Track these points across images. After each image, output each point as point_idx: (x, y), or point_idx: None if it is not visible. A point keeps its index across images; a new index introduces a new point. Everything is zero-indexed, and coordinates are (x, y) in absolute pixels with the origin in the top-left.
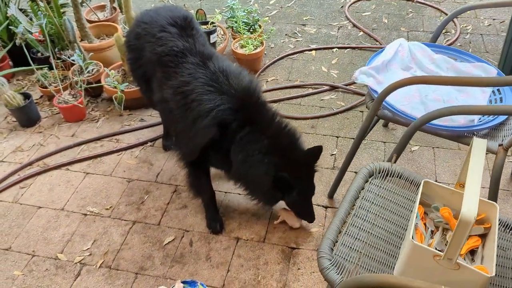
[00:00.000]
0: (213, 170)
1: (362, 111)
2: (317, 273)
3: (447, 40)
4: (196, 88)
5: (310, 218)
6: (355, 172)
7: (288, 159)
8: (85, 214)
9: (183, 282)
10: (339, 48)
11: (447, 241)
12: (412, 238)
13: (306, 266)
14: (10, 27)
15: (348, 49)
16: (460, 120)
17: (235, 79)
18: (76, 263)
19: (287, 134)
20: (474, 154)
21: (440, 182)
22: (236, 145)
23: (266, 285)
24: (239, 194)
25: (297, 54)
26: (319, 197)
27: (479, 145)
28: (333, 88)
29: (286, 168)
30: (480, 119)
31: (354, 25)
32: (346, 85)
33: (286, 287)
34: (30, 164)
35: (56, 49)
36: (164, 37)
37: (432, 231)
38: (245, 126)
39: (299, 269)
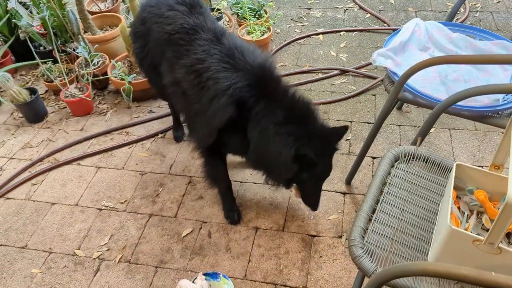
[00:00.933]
0: (227, 160)
1: (374, 95)
2: (340, 260)
3: (457, 19)
4: (212, 65)
5: (315, 206)
6: (372, 157)
7: (307, 130)
8: (100, 209)
9: (205, 274)
10: (346, 31)
11: (483, 225)
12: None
13: (328, 253)
14: (12, 20)
15: (356, 32)
16: (484, 100)
17: (250, 55)
18: (94, 258)
19: (302, 106)
20: None
21: None
22: (252, 121)
23: (289, 274)
24: (255, 183)
25: (304, 39)
26: (336, 183)
27: None
28: (343, 72)
29: (304, 139)
30: (504, 98)
31: (361, 7)
32: (357, 68)
33: (309, 275)
34: (40, 160)
35: (59, 42)
36: (172, 15)
37: (467, 215)
38: (260, 102)
39: (321, 257)
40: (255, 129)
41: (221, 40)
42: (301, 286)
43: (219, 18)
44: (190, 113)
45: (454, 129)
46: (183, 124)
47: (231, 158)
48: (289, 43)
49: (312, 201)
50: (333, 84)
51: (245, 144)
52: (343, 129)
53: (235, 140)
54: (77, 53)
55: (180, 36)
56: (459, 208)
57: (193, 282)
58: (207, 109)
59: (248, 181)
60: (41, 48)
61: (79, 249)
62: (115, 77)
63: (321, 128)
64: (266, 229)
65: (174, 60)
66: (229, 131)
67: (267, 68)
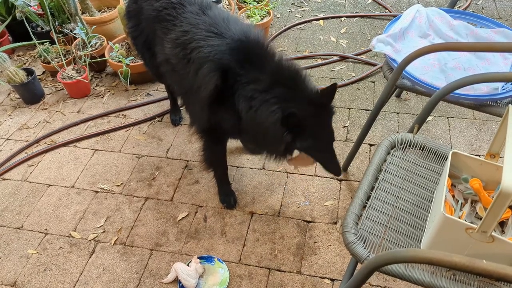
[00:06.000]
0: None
1: (373, 82)
2: (334, 246)
3: (459, 7)
4: (195, 35)
5: (335, 170)
6: (369, 144)
7: (295, 96)
8: (96, 191)
9: (200, 258)
10: (347, 17)
11: (476, 213)
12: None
13: (323, 239)
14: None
15: (357, 18)
16: (482, 88)
17: (235, 24)
18: (90, 240)
19: (290, 71)
20: (511, 123)
21: None
22: (239, 89)
23: (283, 259)
24: (251, 168)
25: (305, 24)
26: None
27: None
28: (343, 58)
29: (294, 104)
30: (503, 87)
31: None
32: (357, 55)
33: (303, 260)
34: (37, 141)
35: (57, 23)
36: None
37: (461, 204)
38: (245, 67)
39: (315, 242)
40: (242, 98)
41: (206, 12)
42: (295, 271)
43: (219, 1)
44: (182, 91)
45: (453, 117)
46: (181, 108)
47: (228, 143)
48: (289, 28)
49: (330, 166)
50: (333, 70)
51: (239, 123)
52: (333, 87)
53: (228, 115)
54: (75, 34)
55: (167, 12)
56: (453, 196)
57: (187, 265)
58: (194, 82)
59: (245, 166)
60: (39, 28)
61: (74, 231)
62: (113, 60)
63: (310, 91)
64: (262, 214)
65: (163, 37)
66: (221, 107)
67: (252, 33)
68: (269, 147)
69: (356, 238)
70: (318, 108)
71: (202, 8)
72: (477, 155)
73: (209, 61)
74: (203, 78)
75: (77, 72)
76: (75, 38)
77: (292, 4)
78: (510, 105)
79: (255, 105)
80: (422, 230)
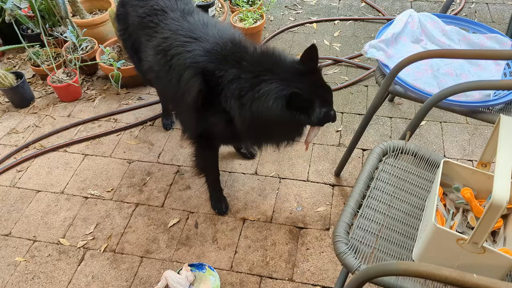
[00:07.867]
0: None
1: (366, 86)
2: (326, 253)
3: (452, 10)
4: (175, 41)
5: (334, 118)
6: (362, 149)
7: (284, 76)
8: (86, 197)
9: (191, 265)
10: (341, 20)
11: (468, 223)
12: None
13: (315, 246)
14: None
15: (350, 21)
16: (475, 95)
17: (213, 28)
18: (79, 247)
19: (266, 56)
20: (502, 133)
21: (448, 158)
22: (224, 90)
23: (275, 266)
24: (244, 173)
25: (298, 27)
26: (325, 175)
27: (507, 123)
28: (336, 62)
29: (288, 84)
30: (495, 93)
31: None
32: (350, 58)
33: (295, 268)
34: (26, 146)
35: (47, 26)
36: None
37: (452, 213)
38: (222, 66)
39: (307, 249)
40: (229, 98)
41: (186, 18)
42: (287, 278)
43: (211, 4)
44: (169, 98)
45: (445, 122)
46: (173, 112)
47: (220, 148)
48: (282, 31)
49: (330, 119)
50: (326, 74)
51: (231, 125)
52: (312, 47)
53: (218, 118)
54: (65, 37)
55: (150, 18)
56: (445, 205)
57: (178, 273)
58: (178, 90)
59: (237, 171)
60: (29, 31)
61: (63, 238)
62: (104, 63)
63: (293, 64)
64: (254, 220)
65: (147, 44)
66: (209, 110)
67: (227, 34)
68: (285, 136)
69: (347, 248)
70: (310, 75)
71: (183, 14)
72: (469, 160)
73: (188, 67)
74: (185, 84)
75: (67, 76)
76: (65, 41)
77: (285, 7)
78: (501, 114)
79: (247, 102)
80: (413, 239)
